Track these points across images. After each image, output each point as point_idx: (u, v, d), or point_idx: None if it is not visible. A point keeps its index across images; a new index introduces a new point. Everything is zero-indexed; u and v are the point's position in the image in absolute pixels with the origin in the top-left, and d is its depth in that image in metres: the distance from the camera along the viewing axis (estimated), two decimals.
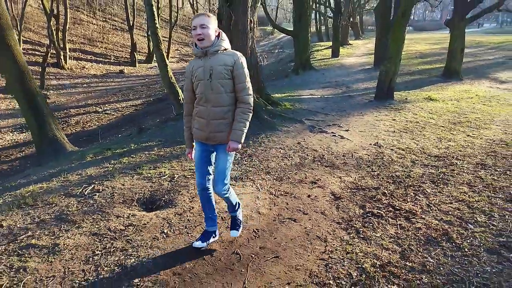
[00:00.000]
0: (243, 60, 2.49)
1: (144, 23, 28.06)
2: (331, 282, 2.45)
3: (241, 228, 2.96)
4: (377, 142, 5.49)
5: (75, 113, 16.30)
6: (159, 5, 24.78)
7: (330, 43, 25.34)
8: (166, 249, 2.80)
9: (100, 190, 3.80)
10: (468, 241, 2.93)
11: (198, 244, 2.74)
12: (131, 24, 23.69)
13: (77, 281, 2.43)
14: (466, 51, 12.74)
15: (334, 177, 4.24)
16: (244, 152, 4.97)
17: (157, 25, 11.88)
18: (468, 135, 5.95)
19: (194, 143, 2.72)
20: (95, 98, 18.35)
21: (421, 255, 2.76)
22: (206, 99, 2.46)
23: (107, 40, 24.71)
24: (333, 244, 2.90)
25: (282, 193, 3.79)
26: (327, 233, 3.05)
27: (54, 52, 19.61)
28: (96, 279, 2.45)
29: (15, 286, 2.37)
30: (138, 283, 2.42)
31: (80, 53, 22.59)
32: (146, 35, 25.40)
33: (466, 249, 2.82)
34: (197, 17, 2.42)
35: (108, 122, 15.54)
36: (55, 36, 19.19)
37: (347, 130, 6.06)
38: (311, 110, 7.46)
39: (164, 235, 2.99)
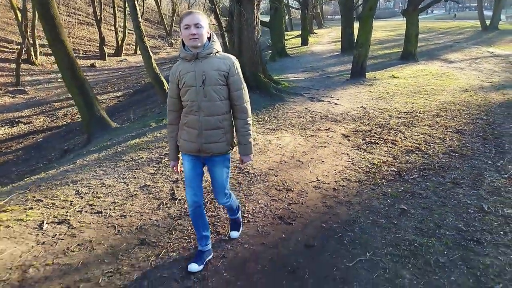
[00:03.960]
0: (237, 64, 2.40)
1: (109, 17, 28.67)
2: (356, 169, 4.45)
3: (241, 228, 3.05)
4: (362, 106, 7.59)
5: (60, 106, 17.20)
6: None
7: (296, 32, 27.63)
8: None
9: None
10: (431, 150, 5.05)
11: (194, 267, 2.55)
12: (99, 18, 24.40)
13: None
14: (419, 36, 15.30)
15: (339, 126, 6.26)
16: (269, 115, 6.87)
17: (139, 19, 13.35)
18: (426, 99, 8.21)
19: (180, 155, 2.58)
20: None
21: (404, 158, 4.82)
22: (198, 107, 2.31)
23: (73, 35, 25.24)
24: (352, 156, 4.90)
25: (309, 135, 5.76)
26: (347, 152, 5.06)
27: (25, 48, 20.11)
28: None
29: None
30: None
31: (49, 49, 23.03)
32: (113, 28, 26.16)
33: (430, 153, 4.94)
34: (190, 14, 2.24)
35: None
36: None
37: (338, 99, 8.13)
38: (304, 87, 9.47)
39: None
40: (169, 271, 2.59)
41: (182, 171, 2.57)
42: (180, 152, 2.54)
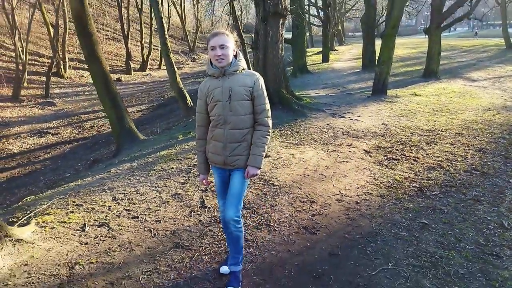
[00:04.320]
0: (261, 81, 2.51)
1: (135, 33, 29.78)
2: (378, 184, 4.59)
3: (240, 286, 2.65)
4: (383, 123, 7.73)
5: (86, 119, 17.91)
6: (152, 15, 26.69)
7: (317, 49, 27.97)
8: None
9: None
10: (453, 168, 5.15)
11: (226, 270, 2.75)
12: (126, 34, 25.40)
13: None
14: (442, 54, 15.35)
15: (360, 142, 6.41)
16: (292, 130, 7.09)
17: (166, 36, 13.94)
18: (448, 118, 8.27)
19: (210, 169, 2.70)
20: (100, 105, 19.84)
21: (425, 174, 4.94)
22: (224, 121, 2.44)
23: (101, 50, 26.30)
24: (374, 171, 5.05)
25: (331, 150, 5.94)
26: (369, 167, 5.21)
27: (55, 62, 21.11)
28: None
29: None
30: None
31: (78, 63, 24.11)
32: (139, 44, 27.15)
33: (451, 170, 5.03)
34: (216, 36, 2.37)
35: None
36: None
37: (359, 116, 8.29)
38: (325, 103, 9.67)
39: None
40: (202, 272, 2.81)
41: (210, 183, 2.69)
42: (211, 166, 2.67)
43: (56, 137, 15.82)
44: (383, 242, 3.25)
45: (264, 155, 2.52)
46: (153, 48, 27.62)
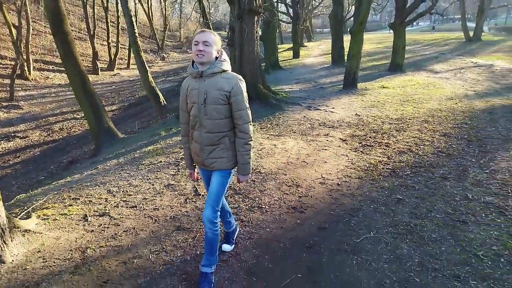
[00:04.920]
0: (242, 84, 2.43)
1: (101, 32, 29.22)
2: (355, 167, 5.02)
3: (233, 244, 3.13)
4: (356, 113, 8.22)
5: (55, 121, 17.54)
6: (118, 14, 26.34)
7: (286, 46, 28.55)
8: None
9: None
10: (421, 151, 5.67)
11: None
12: (92, 33, 24.94)
13: None
14: (406, 48, 16.18)
15: (336, 132, 6.85)
16: (271, 123, 7.44)
17: (136, 34, 13.97)
18: (415, 107, 8.89)
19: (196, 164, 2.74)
20: (68, 106, 19.52)
21: (397, 158, 5.42)
22: (200, 123, 2.43)
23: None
24: (351, 157, 5.48)
25: (310, 140, 6.34)
26: (346, 153, 5.64)
27: (19, 63, 20.48)
28: None
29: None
30: None
31: (42, 64, 23.47)
32: (106, 43, 26.71)
33: (420, 153, 5.55)
34: (202, 33, 2.36)
35: None
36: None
37: (333, 108, 8.76)
38: (300, 97, 10.11)
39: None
40: None
41: (199, 179, 2.82)
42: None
43: (24, 140, 15.44)
44: (364, 216, 3.65)
45: (250, 161, 2.55)
46: (120, 47, 27.23)
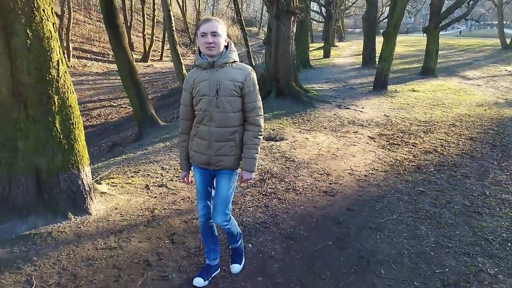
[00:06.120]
0: (254, 75, 2.36)
1: (137, 24, 30.38)
2: (382, 162, 5.52)
3: (243, 261, 2.83)
4: (385, 114, 8.67)
5: (93, 107, 18.63)
6: (154, 7, 27.37)
7: (317, 45, 28.87)
8: None
9: None
10: (446, 152, 6.10)
11: (199, 282, 2.60)
12: (129, 25, 26.07)
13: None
14: (439, 52, 16.33)
15: (365, 130, 7.34)
16: (303, 118, 8.00)
17: (173, 28, 14.71)
18: (444, 111, 9.23)
19: (192, 166, 2.55)
20: (105, 94, 20.62)
21: (422, 156, 5.87)
22: (210, 117, 2.30)
23: (103, 40, 26.93)
24: (378, 153, 5.98)
25: (340, 136, 6.86)
26: (374, 150, 6.14)
27: None
28: None
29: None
30: None
31: (81, 52, 24.75)
32: (141, 35, 27.82)
33: (445, 154, 5.98)
34: (207, 22, 2.22)
35: (127, 114, 17.96)
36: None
37: (362, 108, 9.23)
38: (330, 96, 10.60)
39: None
40: (250, 217, 3.70)
41: (193, 182, 2.59)
42: (192, 164, 2.52)
43: None
44: (388, 202, 4.17)
45: (257, 158, 2.41)
46: (154, 39, 28.30)
